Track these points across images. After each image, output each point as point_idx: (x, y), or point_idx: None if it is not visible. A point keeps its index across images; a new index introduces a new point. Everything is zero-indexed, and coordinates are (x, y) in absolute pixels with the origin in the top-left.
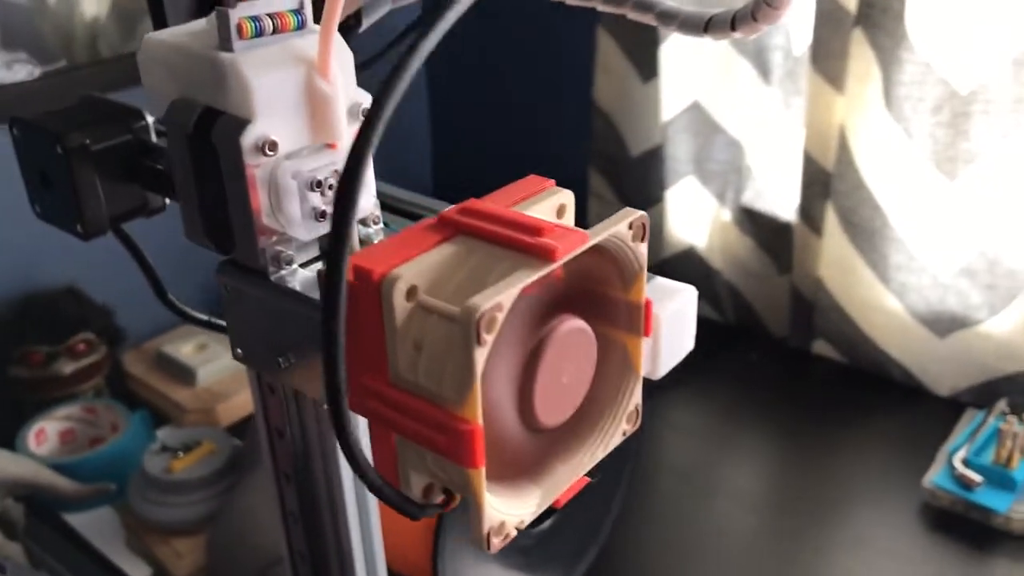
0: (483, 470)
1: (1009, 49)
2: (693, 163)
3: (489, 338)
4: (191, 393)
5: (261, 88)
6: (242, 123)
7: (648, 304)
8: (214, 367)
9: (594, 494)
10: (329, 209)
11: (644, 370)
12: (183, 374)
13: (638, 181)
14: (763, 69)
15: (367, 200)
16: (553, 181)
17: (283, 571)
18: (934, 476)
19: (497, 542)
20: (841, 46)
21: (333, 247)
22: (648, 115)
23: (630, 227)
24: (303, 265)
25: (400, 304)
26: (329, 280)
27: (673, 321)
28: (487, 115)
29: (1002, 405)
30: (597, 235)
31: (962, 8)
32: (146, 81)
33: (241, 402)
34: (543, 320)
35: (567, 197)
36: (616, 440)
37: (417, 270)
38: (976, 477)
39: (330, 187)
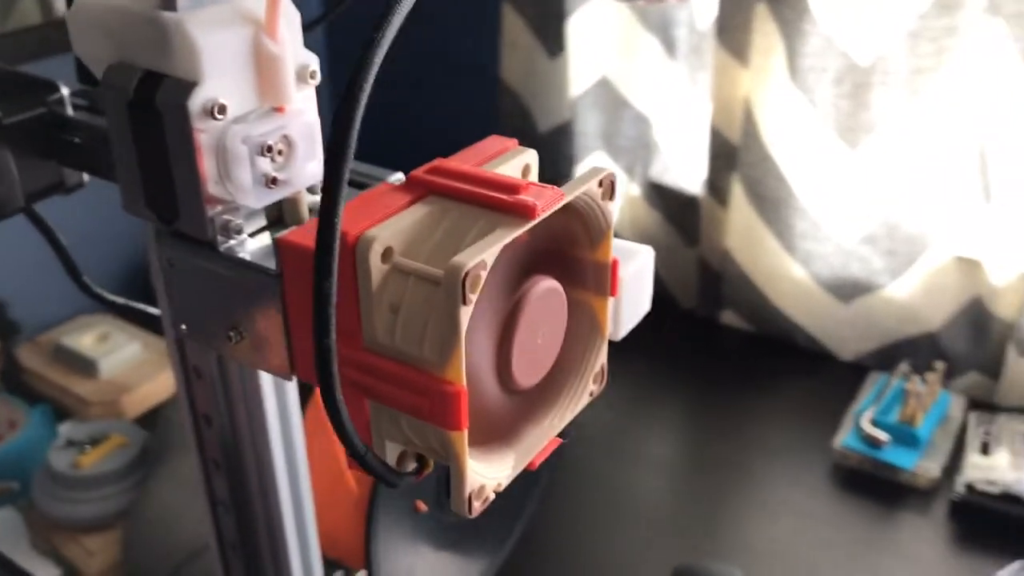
0: (466, 432)
1: (904, 22)
2: (602, 138)
3: (473, 297)
4: (94, 385)
5: (208, 49)
6: (188, 86)
7: (615, 264)
8: (117, 358)
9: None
10: (280, 175)
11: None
12: (84, 366)
13: (547, 157)
14: (669, 44)
15: (318, 166)
16: (516, 141)
17: (204, 564)
18: (843, 437)
19: (478, 505)
20: (745, 20)
21: (326, 204)
22: (556, 91)
23: (600, 184)
24: (251, 235)
25: (376, 266)
26: (322, 238)
27: (633, 281)
28: (392, 94)
29: (904, 367)
30: (572, 192)
31: None
32: (77, 45)
33: (147, 393)
34: (514, 282)
35: (532, 157)
36: (584, 401)
37: (392, 231)
38: (883, 436)
39: (279, 152)
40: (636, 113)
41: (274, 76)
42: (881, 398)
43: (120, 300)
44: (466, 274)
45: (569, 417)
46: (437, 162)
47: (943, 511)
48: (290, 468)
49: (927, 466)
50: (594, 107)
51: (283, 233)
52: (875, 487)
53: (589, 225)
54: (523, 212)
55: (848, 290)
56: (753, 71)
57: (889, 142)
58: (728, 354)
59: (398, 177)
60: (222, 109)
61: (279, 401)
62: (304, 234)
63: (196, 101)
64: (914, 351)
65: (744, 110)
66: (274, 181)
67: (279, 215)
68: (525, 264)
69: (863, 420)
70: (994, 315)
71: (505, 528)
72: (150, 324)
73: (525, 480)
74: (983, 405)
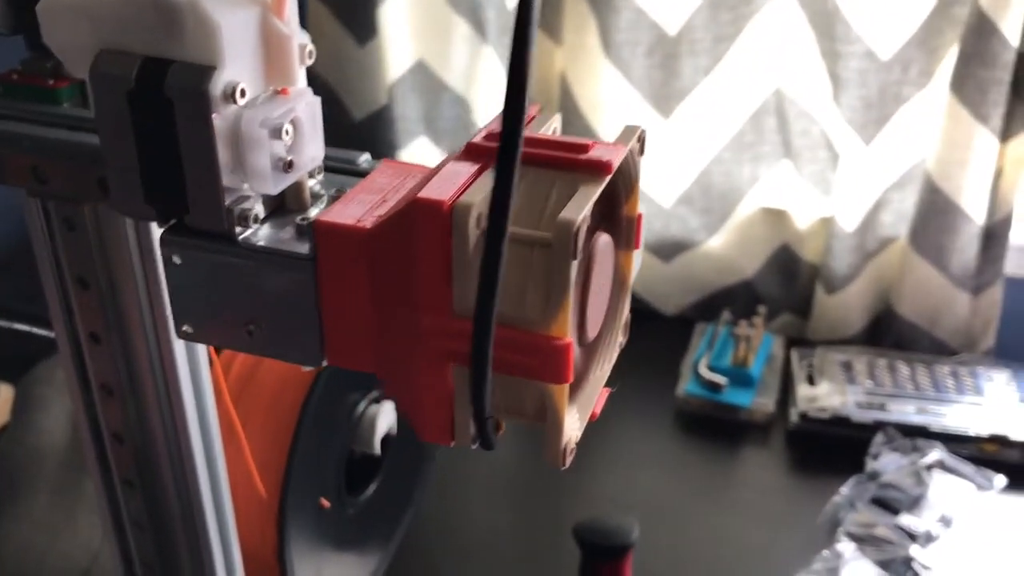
0: (567, 386)
1: None
2: (423, 122)
3: (580, 253)
4: None
5: (227, 29)
6: (205, 70)
7: (639, 217)
8: None
9: (407, 455)
10: (293, 158)
11: None
12: None
13: (366, 144)
14: (478, 26)
15: (319, 149)
16: (539, 104)
17: None
18: (685, 385)
19: (569, 459)
20: None
21: (505, 165)
22: (369, 78)
23: (639, 140)
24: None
25: (473, 232)
26: (496, 218)
27: None
28: None
29: (726, 315)
30: (628, 146)
31: None
32: (51, 35)
33: None
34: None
35: (558, 120)
36: (616, 352)
37: (479, 198)
38: (721, 380)
39: (286, 134)
40: (454, 96)
41: (281, 57)
42: (712, 346)
43: None
44: (577, 230)
45: (609, 368)
46: (491, 129)
47: (781, 441)
48: (212, 479)
49: (762, 402)
50: (412, 91)
51: (318, 215)
52: (718, 427)
53: (626, 181)
54: (600, 169)
55: (669, 249)
56: (567, 48)
57: (698, 108)
58: None
59: (366, 158)
60: (242, 93)
61: (199, 409)
62: (337, 213)
63: (217, 85)
64: (733, 299)
65: (561, 87)
66: (290, 165)
67: (280, 202)
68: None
69: (700, 367)
70: (801, 259)
71: (395, 517)
72: None
73: (411, 468)
74: (797, 342)
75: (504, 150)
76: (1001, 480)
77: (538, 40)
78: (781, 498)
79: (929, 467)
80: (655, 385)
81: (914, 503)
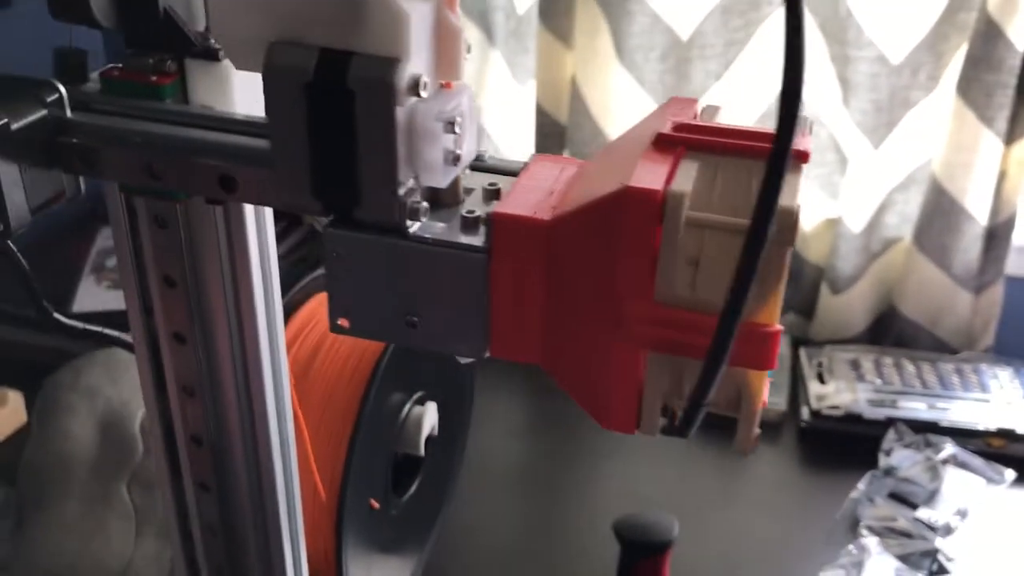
0: (767, 373)
1: None
2: None
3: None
4: None
5: (413, 22)
6: (389, 62)
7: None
8: None
9: (443, 455)
10: (459, 151)
11: None
12: None
13: None
14: (487, 30)
15: (475, 143)
16: (696, 99)
17: None
18: None
19: (754, 447)
20: (567, 4)
21: (777, 157)
22: None
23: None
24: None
25: (682, 220)
26: (770, 191)
27: None
28: None
29: None
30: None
31: None
32: (220, 27)
33: None
34: None
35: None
36: None
37: (689, 187)
38: None
39: (458, 127)
40: None
41: (451, 50)
42: None
43: (94, 328)
44: (795, 219)
45: None
46: (676, 120)
47: (793, 439)
48: (286, 481)
49: (774, 401)
50: None
51: (495, 208)
52: (731, 427)
53: None
54: (799, 157)
55: None
56: (578, 52)
57: None
58: None
59: (490, 153)
60: (425, 86)
61: (278, 410)
62: (513, 206)
63: (403, 78)
64: None
65: (571, 90)
66: (457, 158)
67: (434, 196)
68: None
69: None
70: (806, 260)
71: (431, 517)
72: None
73: (445, 469)
74: (801, 342)
75: (776, 154)
76: (1011, 474)
77: (549, 43)
78: (797, 495)
79: (943, 462)
80: None
81: (930, 497)
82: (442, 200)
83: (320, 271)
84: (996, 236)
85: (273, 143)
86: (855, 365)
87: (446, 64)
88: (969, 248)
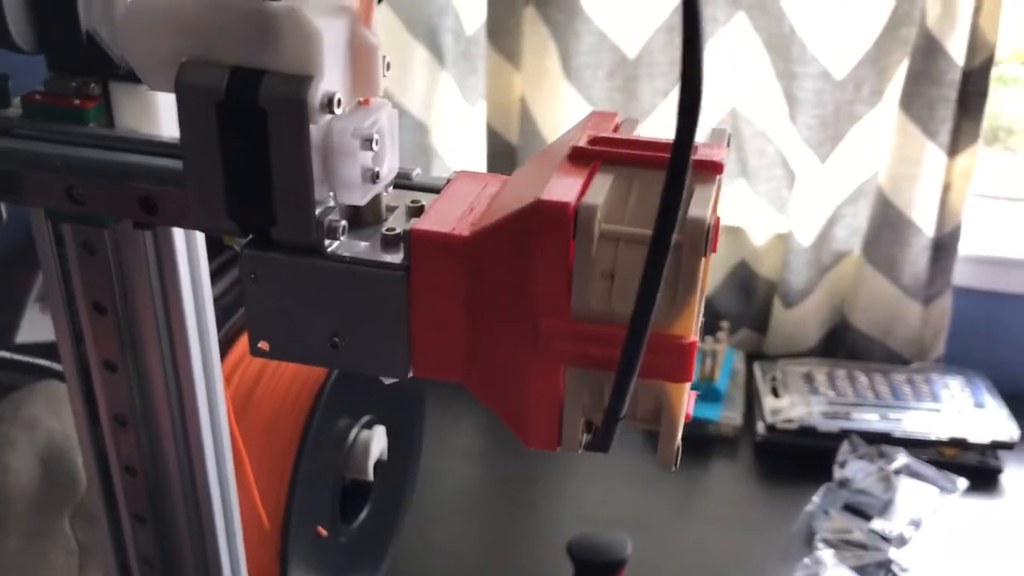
0: (686, 385)
1: (662, 16)
2: None
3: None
4: None
5: (326, 39)
6: (303, 80)
7: (718, 221)
8: None
9: (393, 481)
10: (378, 168)
11: None
12: None
13: None
14: (436, 51)
15: (396, 161)
16: (616, 112)
17: None
18: None
19: (678, 461)
20: (515, 23)
21: (677, 163)
22: None
23: (728, 142)
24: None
25: (596, 233)
26: (672, 196)
27: None
28: None
29: None
30: (724, 146)
31: None
32: (131, 46)
33: None
34: None
35: (637, 126)
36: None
37: (601, 200)
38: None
39: (375, 144)
40: (414, 120)
41: (368, 67)
42: None
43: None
44: (708, 228)
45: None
46: (594, 120)
47: (749, 453)
48: (225, 511)
49: (730, 416)
50: None
51: (413, 225)
52: (687, 442)
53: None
54: (710, 168)
55: None
56: (526, 72)
57: (655, 129)
58: None
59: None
60: (338, 103)
61: (215, 437)
62: (432, 222)
63: (315, 95)
64: None
65: (521, 110)
66: (376, 176)
67: (354, 214)
68: None
69: None
70: (758, 274)
71: (383, 544)
72: None
73: (396, 494)
74: (756, 356)
75: (675, 160)
76: (964, 483)
77: (498, 64)
78: (754, 509)
79: (896, 472)
80: None
81: (885, 508)
82: (364, 219)
83: None
84: (943, 247)
85: (186, 164)
86: (809, 378)
87: (363, 81)
88: (917, 260)
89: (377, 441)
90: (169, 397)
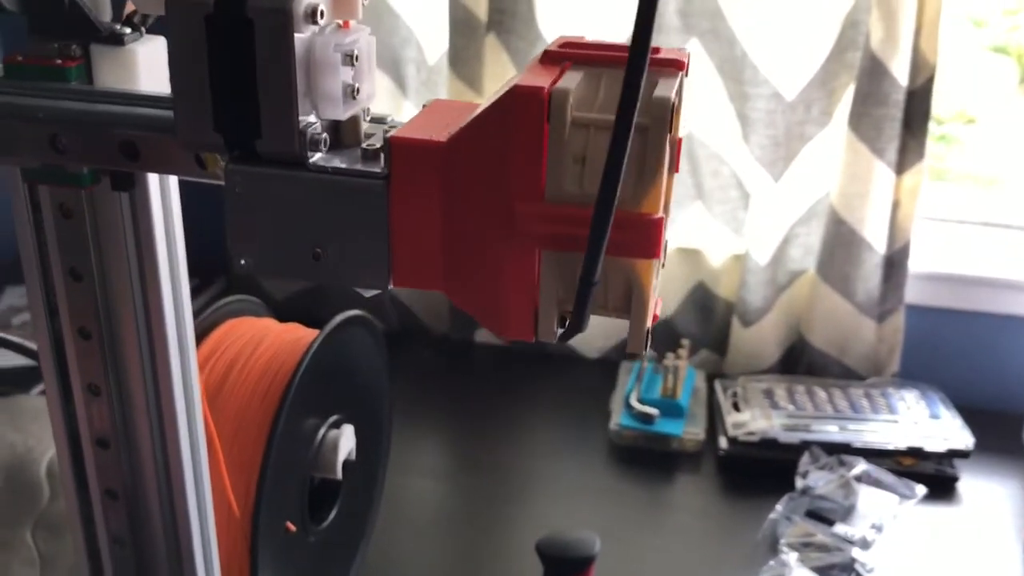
0: (654, 263)
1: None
2: None
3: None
4: None
5: None
6: None
7: (680, 141)
8: None
9: (362, 483)
10: (358, 85)
11: None
12: None
13: None
14: (399, 81)
15: (372, 86)
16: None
17: None
18: (618, 419)
19: (649, 345)
20: (476, 52)
21: (639, 43)
22: None
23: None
24: None
25: (568, 117)
26: (629, 93)
27: None
28: None
29: (649, 351)
30: (685, 56)
31: (584, 5)
32: None
33: None
34: None
35: None
36: (660, 274)
37: (574, 86)
38: (653, 411)
39: (356, 60)
40: None
41: None
42: (640, 380)
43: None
44: (672, 105)
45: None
46: (565, 39)
47: (712, 467)
48: (199, 486)
49: (693, 431)
50: None
51: (393, 133)
52: (652, 458)
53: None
54: (673, 65)
55: None
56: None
57: None
58: (488, 369)
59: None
60: (321, 14)
61: (188, 411)
62: (412, 132)
63: (299, 5)
64: (654, 337)
65: None
66: (357, 91)
67: (335, 137)
68: None
69: (631, 400)
70: (717, 295)
71: (352, 547)
72: None
73: (365, 498)
74: (715, 376)
75: (635, 47)
76: (922, 490)
77: (460, 91)
78: (719, 519)
79: (857, 479)
80: (587, 422)
81: (847, 513)
82: (344, 141)
83: (231, 298)
84: (894, 264)
85: (174, 79)
86: (769, 394)
87: (343, 2)
88: (870, 277)
89: (345, 440)
90: (143, 366)
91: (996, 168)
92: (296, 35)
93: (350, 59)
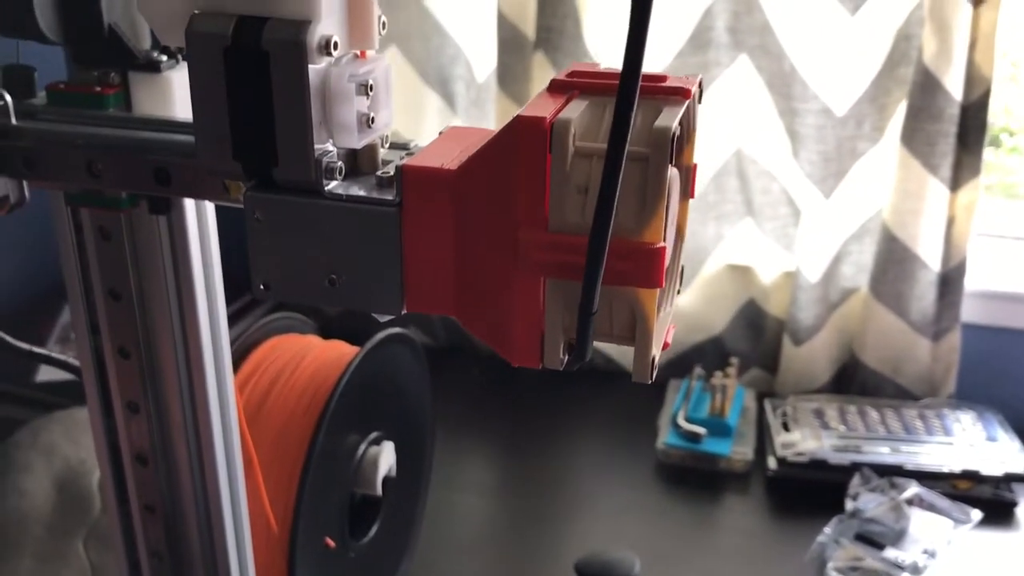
0: (658, 292)
1: (665, 60)
2: None
3: (674, 159)
4: None
5: None
6: (302, 24)
7: (694, 167)
8: None
9: (404, 501)
10: (373, 114)
11: None
12: None
13: None
14: (449, 99)
15: (390, 115)
16: (598, 63)
17: None
18: (664, 438)
19: (654, 374)
20: (524, 69)
21: (631, 58)
22: None
23: (699, 87)
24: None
25: (570, 148)
26: (617, 134)
27: None
28: None
29: (698, 370)
30: (694, 85)
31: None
32: (146, 4)
33: None
34: None
35: None
36: (674, 301)
37: (575, 117)
38: (701, 430)
39: (371, 90)
40: None
41: (364, 20)
42: (688, 398)
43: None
44: (674, 135)
45: (672, 309)
46: (574, 67)
47: (761, 487)
48: (234, 500)
49: (741, 450)
50: None
51: (405, 161)
52: (699, 477)
53: (685, 127)
54: (679, 94)
55: None
56: None
57: None
58: (533, 386)
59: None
60: (335, 45)
61: (224, 435)
62: (424, 160)
63: (313, 38)
64: (703, 356)
65: None
66: (372, 121)
67: (353, 164)
68: None
69: (679, 419)
70: (767, 313)
71: (394, 564)
72: None
73: (408, 515)
74: (765, 395)
75: (626, 76)
76: (977, 514)
77: (509, 109)
78: (766, 541)
79: (909, 502)
80: (634, 441)
81: (898, 537)
82: (361, 168)
83: (276, 315)
84: (949, 282)
85: (195, 109)
86: (819, 414)
87: (359, 32)
88: (924, 295)
89: (385, 456)
90: (180, 385)
91: None
92: (311, 66)
93: (365, 89)
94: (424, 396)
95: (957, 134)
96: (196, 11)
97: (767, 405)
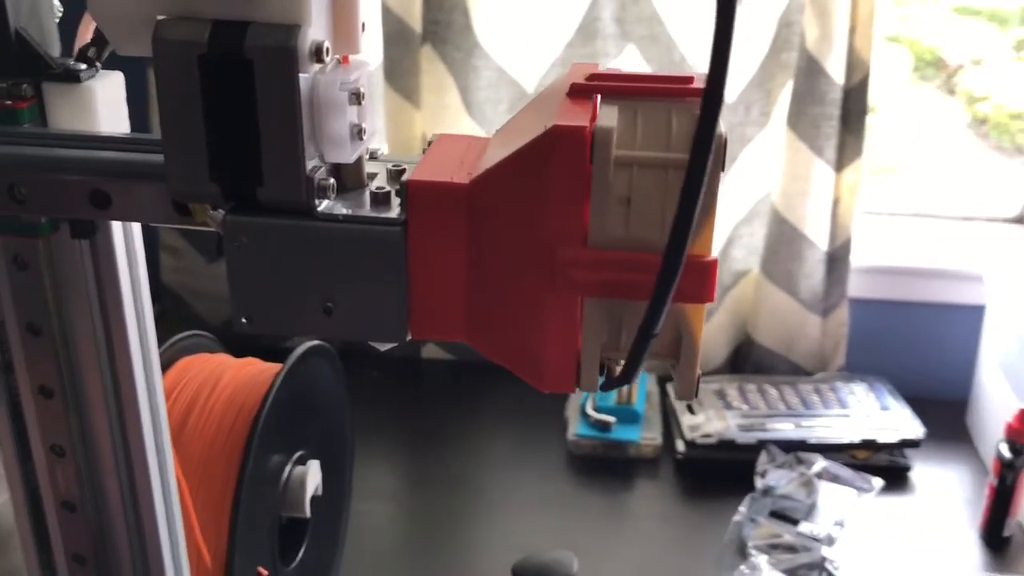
0: (705, 308)
1: (555, 50)
2: None
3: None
4: None
5: None
6: (291, 28)
7: None
8: None
9: (327, 520)
10: (364, 124)
11: None
12: None
13: None
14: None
15: (374, 121)
16: (597, 64)
17: None
18: (575, 429)
19: (699, 391)
20: (412, 63)
21: (710, 101)
22: None
23: None
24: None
25: (612, 157)
26: (706, 121)
27: None
28: None
29: None
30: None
31: (521, 14)
32: (100, 7)
33: None
34: None
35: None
36: None
37: (614, 124)
38: (610, 418)
39: (362, 98)
40: None
41: (348, 22)
42: None
43: None
44: (724, 141)
45: None
46: (592, 70)
47: (671, 471)
48: (172, 545)
49: (650, 436)
50: None
51: (409, 176)
52: (610, 465)
53: None
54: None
55: None
56: (426, 109)
57: None
58: (437, 384)
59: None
60: (327, 51)
61: (161, 472)
62: (428, 174)
63: (304, 43)
64: None
65: (422, 147)
66: (362, 132)
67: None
68: None
69: (587, 409)
70: None
71: None
72: None
73: (332, 531)
74: (667, 379)
75: (711, 83)
76: (879, 482)
77: (397, 104)
78: (683, 525)
79: (817, 476)
80: (543, 434)
81: (809, 511)
82: (346, 183)
83: (184, 334)
84: (836, 259)
85: (164, 125)
86: (721, 394)
87: (344, 36)
88: (813, 273)
89: (312, 476)
90: (110, 422)
91: (894, 157)
92: (308, 71)
93: (357, 97)
94: (343, 409)
95: (840, 116)
96: (160, 16)
97: (670, 389)
